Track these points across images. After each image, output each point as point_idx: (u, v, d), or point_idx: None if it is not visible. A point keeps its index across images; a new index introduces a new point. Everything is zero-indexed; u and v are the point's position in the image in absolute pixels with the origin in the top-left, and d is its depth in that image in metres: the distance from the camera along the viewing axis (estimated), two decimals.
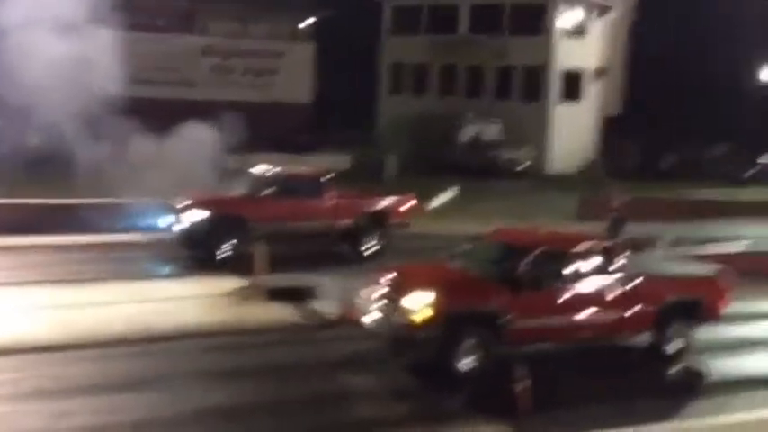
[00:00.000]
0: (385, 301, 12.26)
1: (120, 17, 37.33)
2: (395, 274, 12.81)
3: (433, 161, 37.38)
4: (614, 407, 11.30)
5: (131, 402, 10.73)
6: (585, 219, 24.85)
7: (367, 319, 12.49)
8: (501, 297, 12.05)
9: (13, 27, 19.83)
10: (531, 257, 12.32)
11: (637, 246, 19.67)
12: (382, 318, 12.21)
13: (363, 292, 12.76)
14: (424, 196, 26.44)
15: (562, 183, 34.51)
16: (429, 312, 11.68)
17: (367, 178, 29.80)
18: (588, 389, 11.99)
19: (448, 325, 11.71)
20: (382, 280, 12.55)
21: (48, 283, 15.64)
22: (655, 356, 13.38)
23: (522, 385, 10.66)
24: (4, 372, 11.45)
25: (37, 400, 10.60)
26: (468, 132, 38.60)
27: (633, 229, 21.54)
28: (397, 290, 12.15)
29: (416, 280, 12.39)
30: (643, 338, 13.51)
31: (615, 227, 21.50)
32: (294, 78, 43.26)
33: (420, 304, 11.77)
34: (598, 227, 21.13)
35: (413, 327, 11.78)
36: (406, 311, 11.86)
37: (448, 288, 12.15)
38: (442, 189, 28.68)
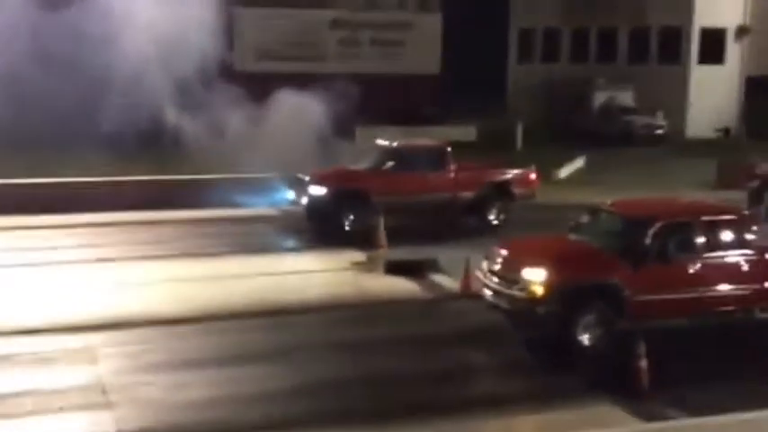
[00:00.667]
0: (503, 274, 11.97)
1: None
2: (513, 247, 12.51)
3: (564, 129, 36.53)
4: (744, 388, 10.63)
5: (248, 375, 10.87)
6: (725, 187, 23.62)
7: (485, 293, 12.25)
8: (622, 270, 11.54)
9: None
10: (654, 229, 11.73)
11: None
12: (500, 292, 11.94)
13: (482, 266, 12.51)
14: (553, 165, 25.94)
15: (701, 149, 32.97)
16: (546, 287, 11.33)
17: (495, 148, 29.37)
18: (717, 368, 11.32)
19: (566, 299, 11.31)
20: (501, 253, 12.25)
21: (173, 257, 16.15)
22: None
23: (640, 363, 10.18)
24: (129, 344, 11.84)
25: (157, 372, 10.89)
26: (600, 98, 37.40)
27: None
28: (515, 263, 11.84)
29: (534, 253, 12.05)
30: None
31: (757, 195, 20.34)
32: (422, 49, 42.93)
33: (537, 278, 11.42)
34: (738, 195, 20.07)
35: (530, 301, 11.45)
36: (523, 285, 11.56)
37: (566, 261, 11.76)
38: (572, 158, 27.99)
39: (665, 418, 9.70)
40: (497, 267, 12.15)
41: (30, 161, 22.12)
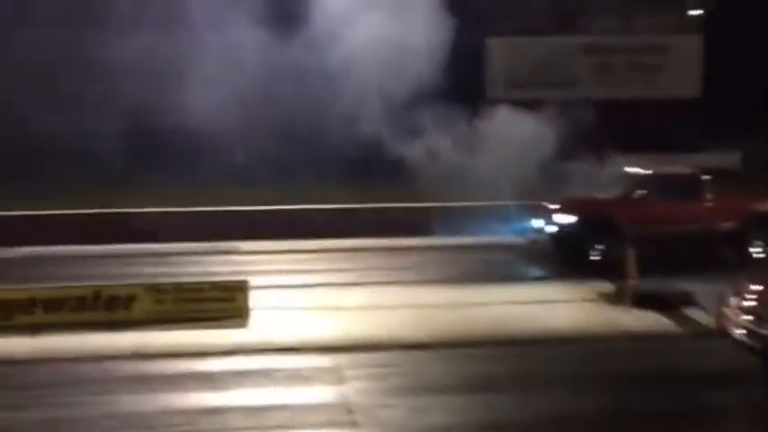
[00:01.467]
0: (755, 311, 11.15)
1: (502, 22, 38.62)
2: (766, 281, 11.62)
3: None
4: None
5: (483, 403, 10.83)
6: None
7: (735, 331, 11.47)
8: None
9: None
10: None
11: None
12: (752, 330, 11.12)
13: (732, 301, 11.73)
14: None
15: None
16: None
17: (764, 176, 27.46)
18: None
19: None
20: (752, 288, 11.43)
21: (418, 284, 16.55)
22: None
23: None
24: (372, 366, 12.23)
25: (399, 395, 11.12)
26: None
27: None
28: (767, 300, 11.00)
29: None
30: None
31: None
32: (680, 72, 41.19)
33: None
34: None
35: None
36: None
37: None
38: None
39: None
40: (749, 303, 11.35)
41: (269, 191, 23.24)
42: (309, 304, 15.17)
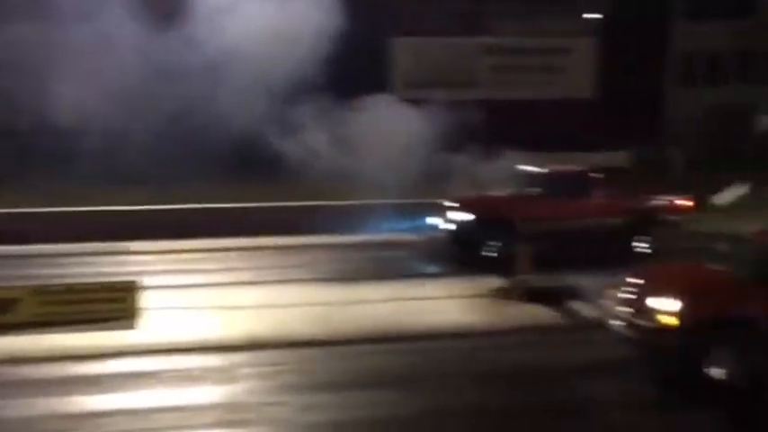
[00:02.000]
0: (635, 304, 11.55)
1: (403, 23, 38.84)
2: (646, 275, 12.06)
3: (727, 155, 34.92)
4: None
5: (375, 399, 10.93)
6: None
7: (617, 323, 11.86)
8: (760, 302, 10.86)
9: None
10: None
11: None
12: (632, 322, 11.52)
13: (612, 294, 12.13)
14: (712, 192, 24.86)
15: None
16: (681, 318, 10.84)
17: (652, 175, 28.42)
18: None
19: (699, 332, 10.77)
20: (633, 282, 11.84)
21: (311, 282, 16.53)
22: None
23: None
24: (267, 364, 12.20)
25: (291, 393, 11.14)
26: (766, 123, 35.58)
27: None
28: (646, 293, 11.40)
29: (667, 282, 11.56)
30: None
31: None
32: (578, 74, 42.32)
33: (671, 309, 10.95)
34: None
35: (660, 333, 10.99)
36: (653, 316, 11.10)
37: (702, 292, 11.22)
38: (733, 185, 26.74)
39: None
40: (629, 296, 11.74)
41: (149, 190, 22.76)
42: (201, 304, 14.99)
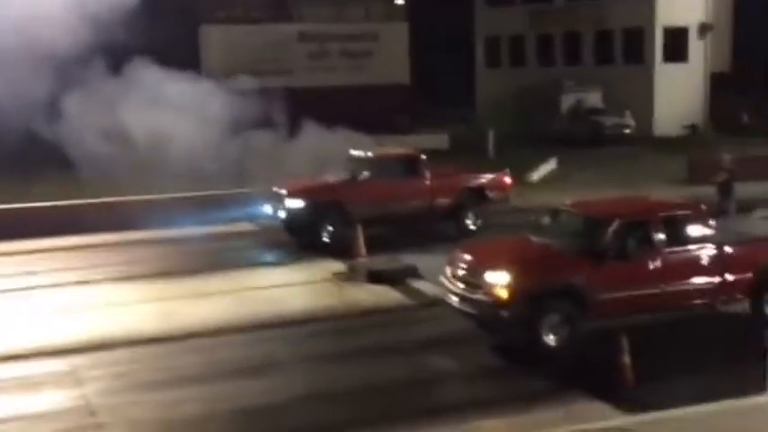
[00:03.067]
0: (467, 279, 12.06)
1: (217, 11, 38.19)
2: (475, 251, 12.60)
3: (534, 133, 36.85)
4: (713, 378, 10.80)
5: (236, 390, 10.90)
6: (696, 182, 23.95)
7: (452, 299, 12.34)
8: (584, 270, 11.69)
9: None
10: (613, 228, 11.87)
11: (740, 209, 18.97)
12: (465, 296, 12.02)
13: (446, 271, 12.58)
14: (526, 169, 26.17)
15: (670, 146, 33.41)
16: (510, 290, 11.43)
17: (468, 155, 29.56)
18: (685, 360, 11.50)
19: (530, 302, 11.43)
20: (464, 257, 12.34)
21: (152, 277, 16.12)
22: (754, 324, 12.54)
23: (624, 358, 10.33)
24: (114, 365, 11.81)
25: (147, 391, 10.90)
26: (568, 101, 37.78)
27: (745, 190, 20.64)
28: (478, 267, 11.93)
29: (497, 257, 12.15)
30: (740, 306, 12.87)
31: (726, 188, 20.62)
32: (390, 59, 43.13)
33: (501, 281, 11.52)
34: (709, 190, 20.35)
35: (494, 305, 11.54)
36: (487, 289, 11.63)
37: (528, 264, 11.90)
38: (544, 161, 28.25)
39: (647, 409, 9.80)
40: (461, 272, 12.20)
41: None
42: (35, 307, 14.30)
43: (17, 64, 19.10)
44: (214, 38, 39.11)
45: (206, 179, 21.07)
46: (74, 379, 11.33)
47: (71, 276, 16.20)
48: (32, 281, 15.91)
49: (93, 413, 10.28)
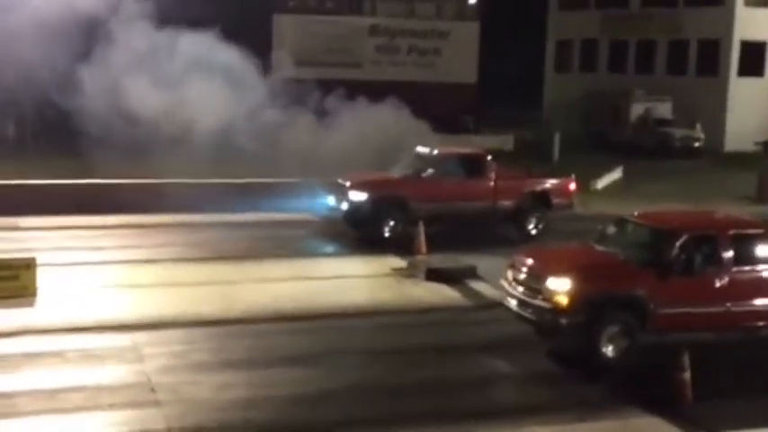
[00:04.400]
0: (528, 284, 12.01)
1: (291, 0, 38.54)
2: (538, 256, 12.56)
3: (601, 140, 36.45)
4: None
5: (287, 377, 11.03)
6: (765, 201, 23.50)
7: (511, 302, 12.31)
8: (647, 282, 11.54)
9: None
10: (681, 241, 11.69)
11: None
12: (525, 301, 11.97)
13: (507, 275, 12.55)
14: (591, 176, 25.91)
15: (740, 162, 32.74)
16: (571, 297, 11.35)
17: (532, 158, 29.39)
18: (745, 383, 11.32)
19: (590, 310, 11.33)
20: (526, 262, 12.29)
21: (216, 260, 16.37)
22: None
23: (684, 374, 10.19)
24: (174, 343, 12.04)
25: (203, 372, 11.08)
26: (637, 110, 37.25)
27: None
28: (540, 273, 11.87)
29: (560, 263, 12.07)
30: None
31: None
32: (459, 57, 43.01)
33: (562, 288, 11.44)
34: None
35: (555, 311, 11.47)
36: (548, 295, 11.57)
37: (591, 272, 11.79)
38: (610, 169, 27.93)
39: (709, 429, 9.67)
40: (522, 276, 12.16)
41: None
42: (101, 282, 14.63)
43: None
44: (286, 26, 39.43)
45: (268, 165, 21.29)
46: (135, 355, 11.58)
47: (136, 254, 16.53)
48: (97, 256, 16.26)
49: (151, 389, 10.49)
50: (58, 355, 11.49)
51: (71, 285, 14.37)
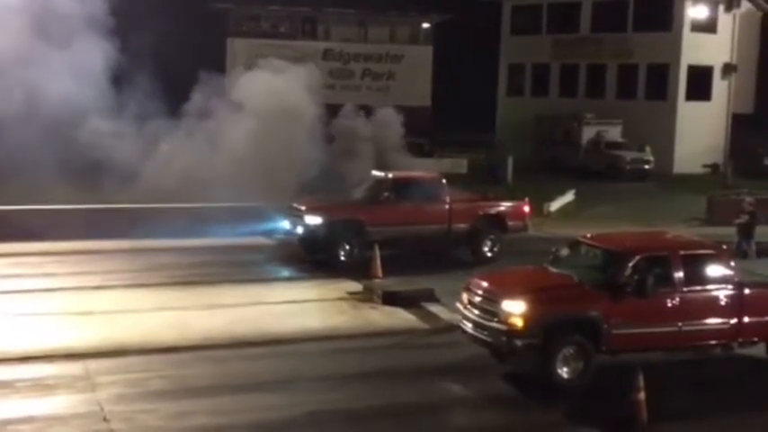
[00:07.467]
0: (483, 306, 12.03)
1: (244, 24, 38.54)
2: (492, 279, 12.58)
3: (553, 163, 36.85)
4: (726, 421, 10.75)
5: (248, 404, 10.90)
6: (714, 222, 23.90)
7: (466, 325, 12.32)
8: (601, 303, 11.66)
9: None
10: (633, 262, 11.83)
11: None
12: (480, 324, 11.98)
13: (462, 297, 12.57)
14: (544, 199, 26.15)
15: (689, 184, 33.34)
16: (525, 319, 11.40)
17: (485, 181, 29.60)
18: (699, 401, 11.46)
19: (544, 332, 11.40)
20: (480, 285, 12.32)
21: (169, 286, 16.17)
22: None
23: (639, 395, 10.29)
24: (129, 371, 11.84)
25: (158, 400, 10.90)
26: (589, 133, 37.76)
27: (765, 233, 20.60)
28: (495, 295, 11.91)
29: (514, 285, 12.13)
30: (758, 349, 12.81)
31: (747, 230, 20.56)
32: (413, 81, 43.40)
33: (517, 311, 11.49)
34: (728, 230, 20.30)
35: (509, 334, 11.50)
36: (502, 318, 11.60)
37: (544, 295, 11.84)
38: (562, 191, 28.23)
39: None
40: (478, 299, 12.17)
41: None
42: (50, 309, 14.35)
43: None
44: (239, 50, 39.41)
45: (217, 191, 21.20)
46: (88, 383, 11.36)
47: (88, 280, 16.27)
48: (46, 283, 15.96)
49: (105, 419, 10.29)
50: (7, 385, 11.23)
51: (19, 313, 14.07)
